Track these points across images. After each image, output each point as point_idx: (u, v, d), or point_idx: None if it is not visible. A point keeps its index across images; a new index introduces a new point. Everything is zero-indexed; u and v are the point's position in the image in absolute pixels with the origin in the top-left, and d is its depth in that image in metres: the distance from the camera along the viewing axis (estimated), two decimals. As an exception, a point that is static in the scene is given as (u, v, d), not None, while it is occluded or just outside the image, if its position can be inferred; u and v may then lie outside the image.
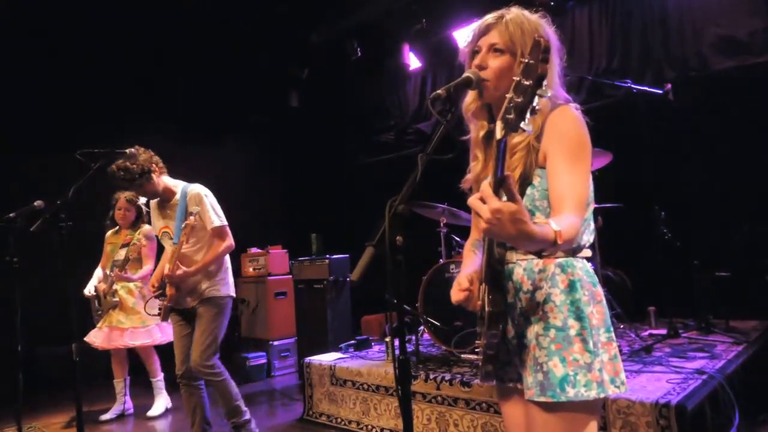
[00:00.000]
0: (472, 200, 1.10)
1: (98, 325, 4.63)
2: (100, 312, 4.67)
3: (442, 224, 4.50)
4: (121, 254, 4.61)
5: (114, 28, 5.93)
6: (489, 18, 1.51)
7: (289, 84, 7.63)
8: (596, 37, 5.51)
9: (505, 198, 1.10)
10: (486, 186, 1.10)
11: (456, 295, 1.45)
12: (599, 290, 1.48)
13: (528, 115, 1.04)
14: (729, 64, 4.73)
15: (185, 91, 7.02)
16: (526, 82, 1.03)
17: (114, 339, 4.54)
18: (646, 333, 4.14)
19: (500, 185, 1.08)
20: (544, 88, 1.03)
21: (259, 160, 8.31)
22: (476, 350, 1.52)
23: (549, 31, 1.51)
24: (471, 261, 1.62)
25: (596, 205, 4.19)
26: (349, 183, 8.00)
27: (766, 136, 4.48)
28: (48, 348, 5.81)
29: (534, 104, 1.03)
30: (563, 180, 1.36)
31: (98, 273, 4.86)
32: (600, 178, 4.03)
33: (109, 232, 4.91)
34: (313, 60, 7.24)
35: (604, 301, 1.49)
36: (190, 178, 3.67)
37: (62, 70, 6.11)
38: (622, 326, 4.08)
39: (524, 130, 1.06)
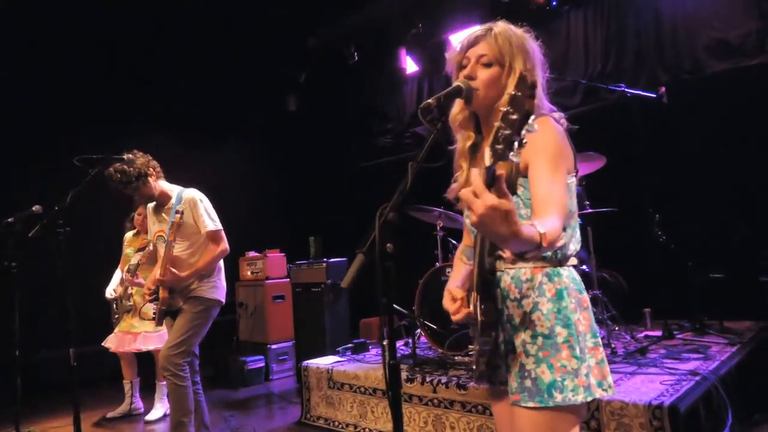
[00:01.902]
0: (466, 192, 1.09)
1: (115, 330, 4.68)
2: (117, 316, 4.72)
3: (438, 227, 4.53)
4: (136, 258, 4.65)
5: (114, 28, 5.96)
6: (478, 30, 1.56)
7: (288, 87, 7.67)
8: (591, 40, 5.56)
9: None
10: (477, 178, 1.08)
11: (449, 305, 1.49)
12: (585, 297, 1.52)
13: (516, 147, 1.04)
14: (722, 66, 4.78)
15: (184, 94, 7.05)
16: (513, 116, 1.03)
17: (127, 343, 4.60)
18: (642, 335, 4.16)
19: (493, 181, 1.08)
20: (530, 123, 1.04)
21: (257, 163, 8.34)
22: (470, 354, 1.56)
23: (534, 45, 1.56)
24: (459, 270, 1.66)
25: (591, 210, 4.23)
26: (347, 186, 8.02)
27: (760, 138, 4.52)
28: (48, 352, 5.84)
29: (521, 137, 1.04)
30: (545, 186, 1.39)
31: (118, 275, 4.91)
32: (593, 181, 4.11)
33: (129, 234, 4.96)
34: (311, 63, 7.28)
35: (590, 307, 1.52)
36: (188, 181, 3.69)
37: (62, 71, 6.14)
38: (617, 328, 4.11)
39: (513, 161, 1.06)
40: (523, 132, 1.03)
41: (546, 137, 1.43)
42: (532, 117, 1.04)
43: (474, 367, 1.55)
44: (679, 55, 5.02)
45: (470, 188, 1.09)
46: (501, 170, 1.11)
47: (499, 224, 1.07)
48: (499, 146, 1.05)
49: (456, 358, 3.82)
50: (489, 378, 1.58)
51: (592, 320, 1.50)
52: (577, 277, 1.53)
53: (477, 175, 1.09)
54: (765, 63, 4.57)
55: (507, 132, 1.03)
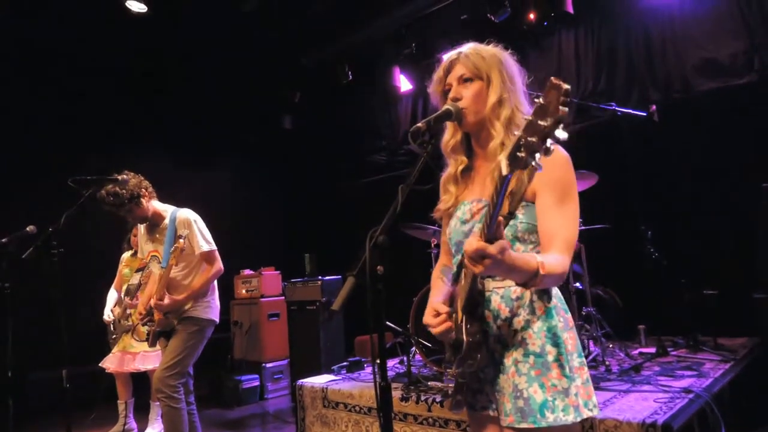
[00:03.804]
0: (468, 262, 1.22)
1: (112, 350, 4.66)
2: (114, 336, 4.70)
3: (432, 245, 4.55)
4: (136, 279, 4.64)
5: (108, 49, 6.00)
6: (450, 56, 1.62)
7: (282, 107, 7.72)
8: (582, 59, 5.64)
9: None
10: (479, 244, 1.19)
11: (430, 319, 1.49)
12: (570, 317, 1.54)
13: (539, 156, 1.02)
14: (711, 85, 4.85)
15: (179, 113, 7.09)
16: (541, 123, 1.00)
17: (126, 363, 4.57)
18: (636, 351, 4.17)
19: (494, 225, 1.17)
20: (561, 130, 1.00)
21: (253, 181, 8.37)
22: (445, 378, 1.56)
23: (507, 55, 1.61)
24: (439, 289, 1.67)
25: (584, 227, 4.24)
26: (342, 203, 8.05)
27: (750, 155, 4.57)
28: (39, 373, 5.78)
29: (548, 144, 1.01)
30: (553, 221, 1.42)
31: (113, 295, 4.88)
32: (586, 199, 4.13)
33: (127, 254, 4.95)
34: (306, 83, 7.34)
35: (575, 328, 1.55)
36: (182, 201, 3.70)
37: (56, 91, 6.17)
38: (611, 345, 4.11)
39: (535, 168, 1.04)
40: (550, 141, 1.00)
41: (557, 169, 1.44)
42: (562, 125, 1.00)
43: (451, 393, 1.55)
44: (669, 74, 5.10)
45: (473, 252, 1.18)
46: (512, 185, 1.18)
47: (500, 268, 1.23)
48: (522, 154, 1.03)
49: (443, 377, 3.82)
50: (469, 404, 1.58)
51: (577, 340, 1.53)
52: (562, 297, 1.55)
53: (473, 237, 1.21)
54: (754, 82, 4.65)
55: (533, 139, 1.01)
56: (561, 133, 0.99)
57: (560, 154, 1.47)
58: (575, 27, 5.67)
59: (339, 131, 8.16)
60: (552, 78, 1.00)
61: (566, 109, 0.97)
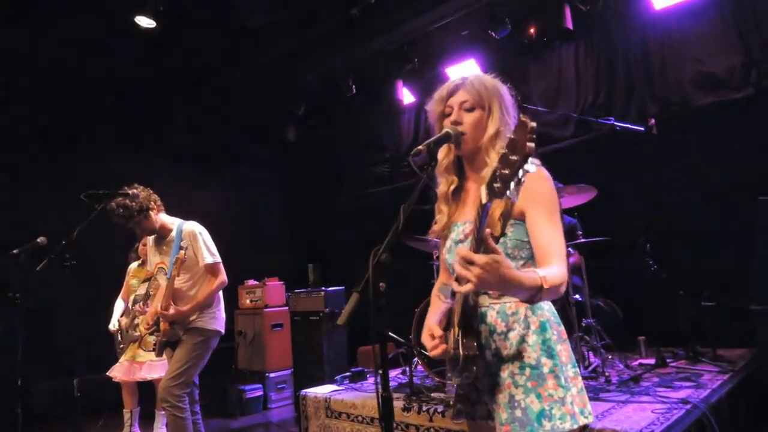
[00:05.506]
0: (459, 269, 1.24)
1: (120, 360, 4.72)
2: (122, 346, 4.76)
3: (434, 257, 4.60)
4: (143, 289, 4.70)
5: (113, 60, 6.08)
6: (454, 81, 1.70)
7: (287, 119, 7.81)
8: (582, 73, 5.70)
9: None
10: (464, 250, 1.23)
11: (427, 341, 1.57)
12: (563, 329, 1.62)
13: (513, 186, 1.12)
14: (709, 99, 4.90)
15: (184, 125, 7.17)
16: (513, 157, 1.10)
17: (133, 372, 4.63)
18: (636, 362, 4.21)
19: (481, 244, 1.22)
20: (529, 163, 1.10)
21: (256, 193, 8.44)
22: (446, 390, 1.64)
23: (504, 88, 1.69)
24: (437, 307, 1.75)
25: (584, 240, 4.31)
26: (346, 214, 8.11)
27: (747, 168, 4.62)
28: (50, 381, 5.84)
29: (519, 176, 1.11)
30: (546, 235, 1.50)
31: (119, 305, 4.95)
32: (585, 211, 4.19)
33: (134, 265, 5.02)
34: (310, 96, 7.43)
35: (568, 340, 1.62)
36: (186, 212, 3.77)
37: (62, 103, 6.25)
38: (611, 356, 4.15)
39: (510, 199, 1.14)
40: (521, 173, 1.10)
41: (542, 188, 1.53)
42: (531, 159, 1.10)
43: (451, 402, 1.62)
44: (667, 88, 5.16)
45: (460, 259, 1.23)
46: (497, 209, 1.26)
47: (497, 275, 1.23)
48: (498, 185, 1.13)
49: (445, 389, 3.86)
50: (468, 414, 1.66)
51: (570, 351, 1.60)
52: (555, 311, 1.62)
53: (462, 248, 1.25)
54: (750, 95, 4.71)
55: (506, 172, 1.11)
56: (530, 166, 1.10)
57: (542, 173, 1.55)
58: (575, 41, 5.74)
59: (342, 143, 8.23)
60: (521, 115, 1.10)
61: (533, 145, 1.07)
